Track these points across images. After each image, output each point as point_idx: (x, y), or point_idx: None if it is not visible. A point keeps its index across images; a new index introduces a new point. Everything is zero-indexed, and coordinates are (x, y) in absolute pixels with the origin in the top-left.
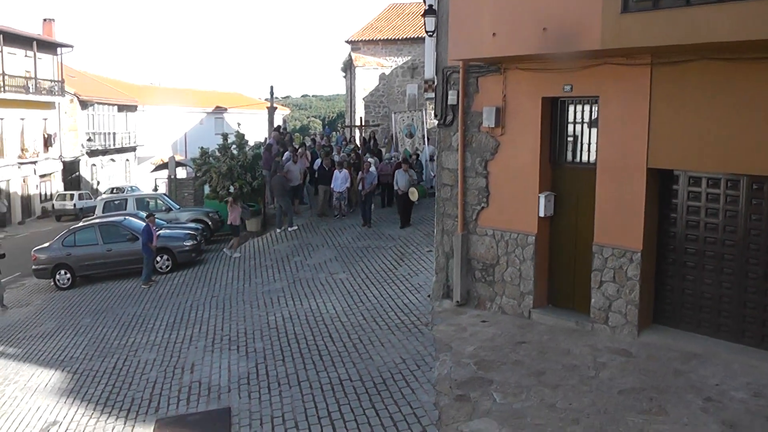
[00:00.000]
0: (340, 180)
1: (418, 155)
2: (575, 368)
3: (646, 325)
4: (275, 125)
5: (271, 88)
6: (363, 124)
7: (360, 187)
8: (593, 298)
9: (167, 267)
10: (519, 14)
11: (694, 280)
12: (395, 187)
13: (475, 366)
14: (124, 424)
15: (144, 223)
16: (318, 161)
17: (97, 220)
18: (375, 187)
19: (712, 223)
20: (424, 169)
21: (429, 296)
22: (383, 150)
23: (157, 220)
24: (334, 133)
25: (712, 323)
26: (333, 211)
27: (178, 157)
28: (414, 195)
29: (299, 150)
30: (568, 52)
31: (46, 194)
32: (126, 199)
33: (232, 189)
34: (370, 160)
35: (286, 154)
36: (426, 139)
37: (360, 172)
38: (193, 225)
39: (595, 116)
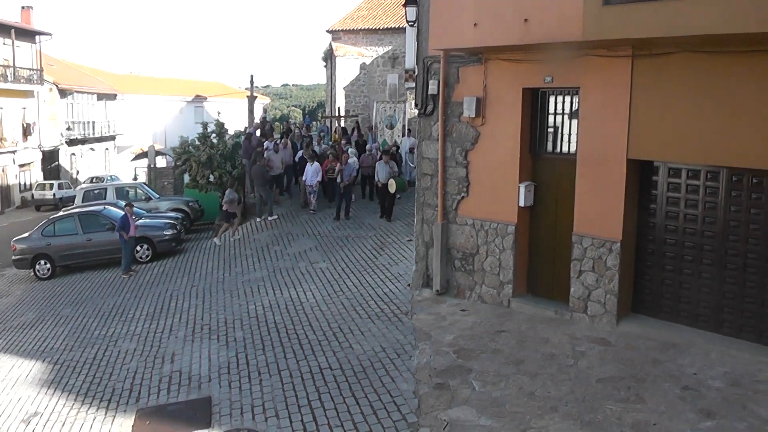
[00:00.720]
0: (311, 173)
1: (397, 147)
2: (554, 357)
3: (625, 314)
4: (261, 116)
5: (251, 77)
6: (343, 114)
7: (338, 180)
8: (572, 288)
9: (147, 256)
10: (500, 5)
11: (673, 270)
12: (375, 179)
13: (454, 354)
14: (105, 414)
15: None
16: (300, 152)
17: (77, 210)
18: (354, 179)
19: (691, 214)
20: (404, 161)
21: (409, 285)
22: (368, 141)
23: (136, 209)
24: (315, 122)
25: (690, 313)
26: (308, 205)
27: (157, 147)
28: (392, 187)
29: (282, 140)
30: (549, 43)
31: (25, 184)
32: (106, 189)
33: (212, 178)
34: (350, 150)
35: (267, 143)
36: (407, 131)
37: (338, 164)
38: (172, 214)
39: (576, 107)
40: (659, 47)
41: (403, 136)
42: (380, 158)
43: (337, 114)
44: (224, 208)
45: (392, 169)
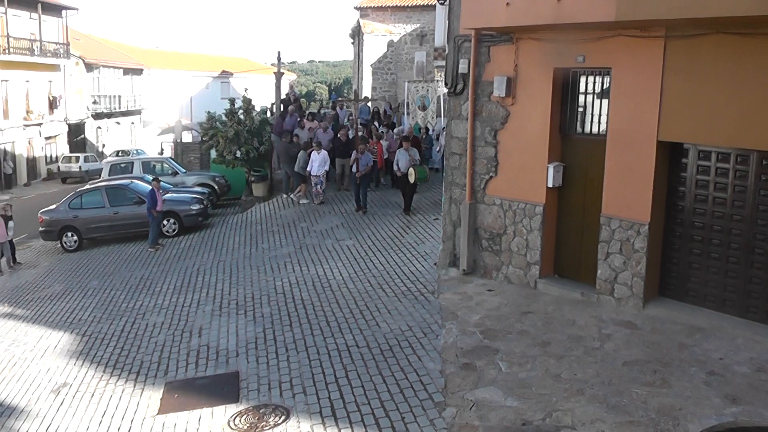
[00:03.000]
0: (318, 162)
1: (428, 129)
2: (580, 339)
3: (652, 297)
4: (287, 93)
5: (278, 53)
6: (352, 98)
7: (354, 169)
8: (599, 270)
9: (174, 231)
10: None
11: (701, 254)
12: (395, 168)
13: (480, 335)
14: (134, 386)
15: (150, 188)
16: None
17: (104, 183)
18: (371, 168)
19: (720, 198)
20: (433, 146)
21: (435, 264)
22: (398, 123)
23: (163, 183)
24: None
25: (717, 297)
26: (314, 196)
27: (184, 122)
28: (412, 176)
29: (322, 123)
30: (582, 23)
31: (51, 156)
32: (132, 162)
33: (239, 154)
34: (382, 130)
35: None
36: (441, 113)
37: (354, 152)
38: (199, 189)
39: (607, 88)
40: (692, 28)
41: (438, 116)
42: (400, 145)
43: (353, 97)
44: (296, 169)
45: (413, 157)
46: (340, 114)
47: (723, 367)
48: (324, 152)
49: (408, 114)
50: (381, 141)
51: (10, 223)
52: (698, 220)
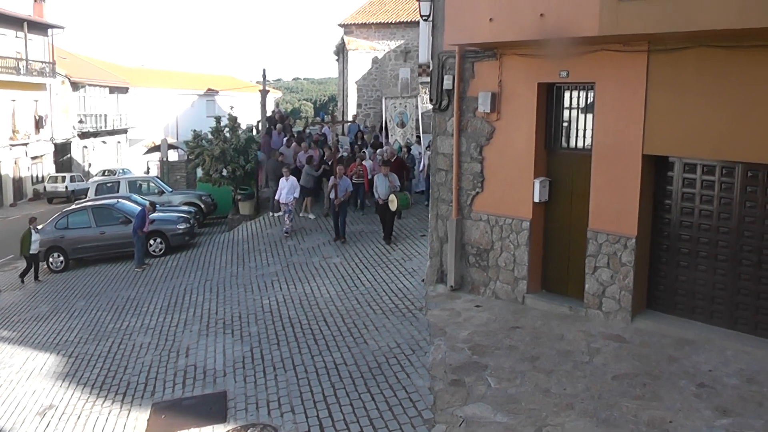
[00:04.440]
0: (287, 189)
1: (409, 148)
2: (569, 354)
3: (640, 310)
4: (273, 110)
5: (264, 71)
6: (332, 119)
7: (332, 196)
8: (587, 284)
9: (160, 250)
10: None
11: (688, 266)
12: (375, 195)
13: (469, 351)
14: (120, 407)
15: (140, 208)
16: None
17: (90, 203)
18: (350, 195)
19: (706, 210)
20: (416, 165)
21: (423, 281)
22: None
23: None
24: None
25: (705, 309)
26: (282, 226)
27: (170, 140)
28: (393, 204)
29: (303, 144)
30: (565, 38)
31: (37, 176)
32: (119, 182)
33: (225, 172)
34: (364, 150)
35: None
36: (420, 131)
37: (332, 178)
38: (185, 208)
39: (591, 102)
40: (675, 42)
41: (417, 135)
42: (386, 167)
43: (332, 119)
44: (301, 183)
45: (393, 182)
46: (327, 134)
47: (713, 379)
48: (293, 178)
49: (387, 132)
50: (364, 162)
51: None
52: (685, 232)
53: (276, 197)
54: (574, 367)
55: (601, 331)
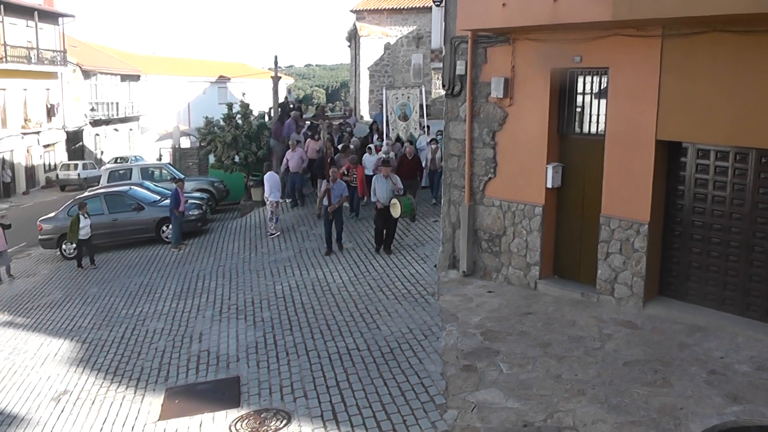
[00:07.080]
0: (268, 185)
1: (411, 143)
2: (581, 339)
3: (652, 297)
4: (285, 96)
5: (276, 57)
6: (321, 114)
7: (325, 203)
8: (599, 270)
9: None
10: None
11: (701, 252)
12: (373, 199)
13: (481, 336)
14: (135, 392)
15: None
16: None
17: (103, 190)
18: (345, 199)
19: (719, 196)
20: (423, 162)
21: (435, 266)
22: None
23: (162, 189)
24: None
25: (717, 296)
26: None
27: (182, 127)
28: (396, 210)
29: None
30: (578, 23)
31: (49, 164)
32: (131, 169)
33: (237, 159)
34: (375, 143)
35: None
36: (425, 126)
37: (325, 182)
38: (198, 194)
39: (605, 87)
40: (689, 27)
41: (421, 127)
42: (387, 167)
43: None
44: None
45: (395, 185)
46: (351, 123)
47: (724, 366)
48: (276, 176)
49: (388, 126)
50: (360, 165)
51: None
52: (698, 218)
53: (264, 194)
54: (586, 353)
55: (613, 317)
